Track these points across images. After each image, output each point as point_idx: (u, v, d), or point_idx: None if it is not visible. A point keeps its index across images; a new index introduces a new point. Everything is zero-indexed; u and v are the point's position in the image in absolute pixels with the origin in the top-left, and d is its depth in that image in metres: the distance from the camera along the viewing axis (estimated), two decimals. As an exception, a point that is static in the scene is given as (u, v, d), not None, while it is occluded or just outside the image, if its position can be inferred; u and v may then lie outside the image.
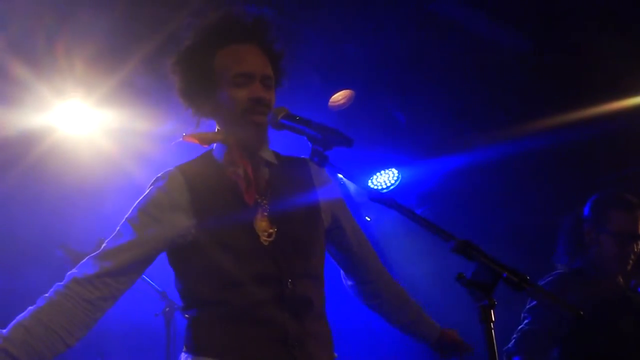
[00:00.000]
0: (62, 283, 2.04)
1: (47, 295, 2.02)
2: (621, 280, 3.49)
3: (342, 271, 2.50)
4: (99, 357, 4.40)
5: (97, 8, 3.68)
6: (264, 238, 2.11)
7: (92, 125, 4.49)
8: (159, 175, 2.18)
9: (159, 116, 4.37)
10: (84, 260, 2.06)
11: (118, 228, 2.13)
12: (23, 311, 2.00)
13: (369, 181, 5.75)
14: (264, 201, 2.17)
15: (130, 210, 2.15)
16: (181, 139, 2.29)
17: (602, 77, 4.51)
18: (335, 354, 2.24)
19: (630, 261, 3.42)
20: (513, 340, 3.44)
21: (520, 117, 5.02)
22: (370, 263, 2.47)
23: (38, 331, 1.94)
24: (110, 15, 3.73)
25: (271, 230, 2.13)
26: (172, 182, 2.14)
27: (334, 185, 2.40)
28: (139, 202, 2.15)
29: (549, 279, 3.51)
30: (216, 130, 2.26)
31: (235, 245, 2.08)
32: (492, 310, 1.56)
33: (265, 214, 2.15)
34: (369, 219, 5.51)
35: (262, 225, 2.13)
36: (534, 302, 3.47)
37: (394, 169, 5.73)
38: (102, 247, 2.10)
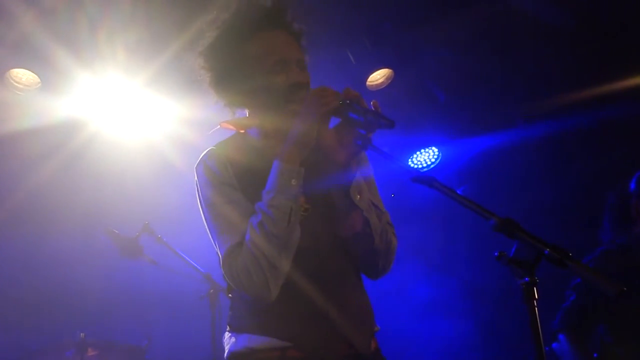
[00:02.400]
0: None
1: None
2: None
3: None
4: (146, 339, 4.48)
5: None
6: (300, 213, 2.11)
7: (134, 112, 4.55)
8: (201, 157, 2.20)
9: (200, 102, 4.40)
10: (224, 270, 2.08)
11: (213, 218, 2.13)
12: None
13: (409, 160, 5.73)
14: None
15: (206, 196, 2.14)
16: (218, 127, 2.32)
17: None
18: (377, 326, 2.24)
19: None
20: (558, 317, 3.43)
21: (561, 93, 4.94)
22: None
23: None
24: (151, 2, 3.76)
25: (307, 206, 2.15)
26: (217, 160, 2.15)
27: (368, 165, 2.37)
28: (205, 184, 2.15)
29: (594, 255, 3.48)
30: (249, 114, 2.28)
31: None
32: (534, 288, 1.55)
33: (301, 190, 2.14)
34: (393, 195, 5.49)
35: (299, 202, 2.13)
36: (578, 280, 3.45)
37: (434, 148, 5.70)
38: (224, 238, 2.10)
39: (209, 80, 2.27)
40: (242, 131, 2.30)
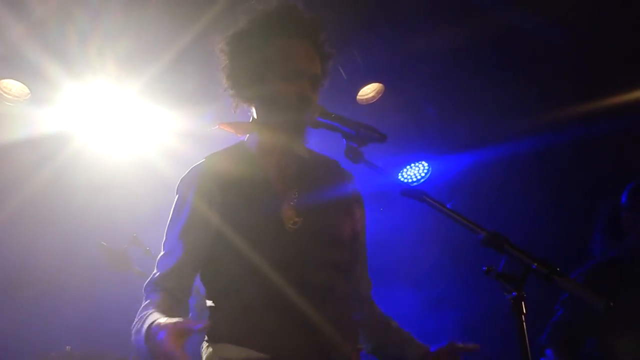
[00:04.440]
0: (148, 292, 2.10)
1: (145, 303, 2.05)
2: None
3: None
4: (132, 354, 4.45)
5: (128, 8, 3.72)
6: (289, 225, 2.13)
7: (124, 123, 4.54)
8: (187, 172, 2.22)
9: (190, 113, 4.41)
10: (144, 290, 2.12)
11: (164, 238, 2.18)
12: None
13: (400, 174, 5.73)
14: (293, 191, 2.20)
15: (170, 219, 2.19)
16: (216, 127, 2.34)
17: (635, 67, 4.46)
18: (361, 344, 2.23)
19: None
20: (545, 333, 3.43)
21: (552, 108, 4.97)
22: (362, 277, 2.43)
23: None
24: (141, 15, 3.77)
25: (297, 219, 2.15)
26: (200, 179, 2.17)
27: (359, 194, 2.41)
28: (175, 209, 2.19)
29: (584, 269, 3.48)
30: (251, 120, 2.29)
31: (260, 231, 2.10)
32: (522, 303, 1.56)
33: (292, 203, 2.17)
34: (382, 210, 5.52)
35: (289, 214, 2.16)
36: (567, 295, 3.45)
37: (424, 162, 5.71)
38: (157, 260, 2.15)
39: (224, 65, 2.28)
40: (240, 139, 2.32)
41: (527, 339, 1.54)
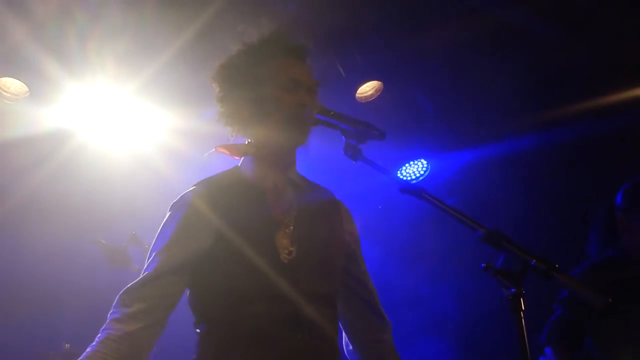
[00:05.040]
0: (105, 326, 2.04)
1: (93, 344, 2.00)
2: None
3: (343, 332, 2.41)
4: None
5: (127, 7, 3.72)
6: (283, 255, 2.09)
7: (123, 121, 4.54)
8: (184, 194, 2.18)
9: (188, 113, 4.41)
10: (117, 299, 2.05)
11: (151, 252, 2.12)
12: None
13: (399, 172, 5.74)
14: (288, 219, 2.16)
15: (160, 232, 2.14)
16: (214, 150, 2.28)
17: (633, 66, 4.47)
18: None
19: None
20: (544, 331, 3.43)
21: (551, 106, 4.97)
22: (373, 308, 2.38)
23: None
24: (140, 13, 3.77)
25: (292, 249, 2.11)
26: (196, 200, 2.13)
27: (353, 222, 2.39)
28: (166, 224, 2.14)
29: (580, 269, 3.47)
30: (247, 142, 2.25)
31: (254, 259, 2.05)
32: (521, 299, 1.56)
33: (287, 231, 2.14)
34: (380, 207, 5.52)
35: (283, 242, 2.12)
36: (565, 293, 3.45)
37: (423, 160, 5.72)
38: (139, 278, 2.09)
39: (218, 96, 2.25)
40: (234, 164, 2.29)
41: (525, 335, 1.54)
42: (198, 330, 2.14)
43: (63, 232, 4.96)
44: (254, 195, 2.16)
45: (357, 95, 4.74)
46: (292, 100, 2.14)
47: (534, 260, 1.53)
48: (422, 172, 5.75)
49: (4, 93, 4.23)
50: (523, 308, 1.56)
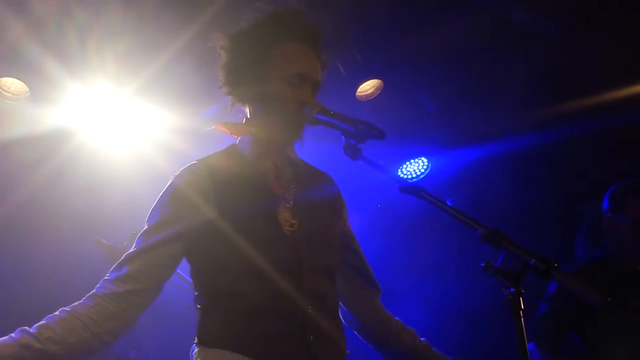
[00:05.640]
0: (98, 285, 2.07)
1: (84, 298, 2.04)
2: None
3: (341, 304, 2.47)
4: (133, 350, 4.45)
5: (127, 6, 3.72)
6: (286, 227, 2.13)
7: (123, 121, 4.54)
8: (181, 169, 2.20)
9: (189, 111, 4.41)
10: (114, 265, 2.08)
11: (145, 226, 2.15)
12: (65, 303, 2.04)
13: (399, 171, 5.73)
14: (288, 194, 2.20)
15: (155, 206, 2.16)
16: (214, 127, 2.33)
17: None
18: (348, 351, 2.24)
19: None
20: (529, 329, 3.48)
21: (552, 104, 4.97)
22: (368, 278, 2.48)
23: (65, 317, 1.96)
24: (140, 12, 3.77)
25: (293, 221, 2.15)
26: (194, 174, 2.16)
27: (343, 197, 2.46)
28: (162, 198, 2.16)
29: (568, 269, 3.53)
30: (245, 120, 2.28)
31: (258, 232, 2.08)
32: (520, 298, 1.56)
33: (288, 205, 2.18)
34: (379, 206, 5.53)
35: (285, 215, 2.16)
36: (552, 291, 3.54)
37: (423, 158, 5.71)
38: (133, 245, 2.12)
39: (224, 62, 2.25)
40: (232, 142, 2.31)
41: (525, 334, 1.54)
42: (200, 305, 2.16)
43: (63, 232, 4.96)
44: (253, 171, 2.19)
45: (357, 93, 4.74)
46: (294, 98, 2.14)
47: (534, 260, 1.53)
48: (422, 171, 5.74)
49: (5, 93, 4.23)
50: (522, 307, 1.56)
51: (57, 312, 1.97)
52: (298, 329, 2.04)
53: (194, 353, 2.11)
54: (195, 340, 2.12)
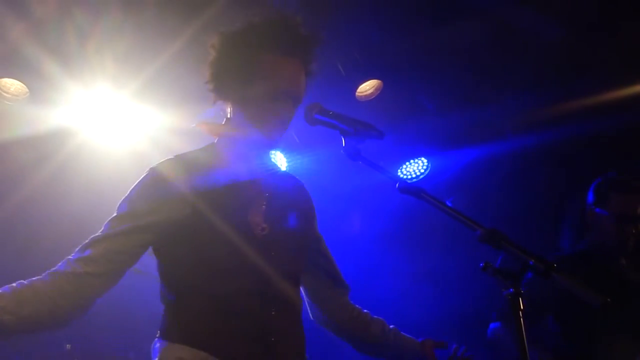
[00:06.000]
0: (60, 263, 2.08)
1: (43, 274, 2.05)
2: (624, 262, 3.56)
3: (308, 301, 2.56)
4: (132, 351, 4.46)
5: (127, 7, 3.72)
6: (257, 231, 2.16)
7: (123, 121, 4.54)
8: (158, 162, 2.22)
9: (188, 113, 4.40)
10: (83, 244, 2.09)
11: (115, 213, 2.16)
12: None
13: (399, 171, 5.73)
14: (260, 198, 2.24)
15: (128, 195, 2.17)
16: (194, 126, 2.38)
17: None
18: (307, 357, 2.27)
19: (631, 243, 3.48)
20: (497, 310, 3.60)
21: (551, 104, 4.97)
22: (336, 279, 2.56)
23: (22, 290, 1.96)
24: (139, 13, 3.77)
25: (264, 225, 2.18)
26: (170, 169, 2.17)
27: (313, 204, 2.50)
28: (136, 188, 2.17)
29: (552, 259, 3.56)
30: (225, 120, 2.29)
31: (228, 234, 2.10)
32: (520, 298, 1.57)
33: (260, 209, 2.21)
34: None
35: (256, 219, 2.19)
36: (529, 275, 3.57)
37: (423, 159, 5.71)
38: (101, 229, 2.13)
39: (213, 59, 2.28)
40: (211, 141, 2.34)
41: (524, 334, 1.54)
42: (167, 301, 2.18)
43: (64, 232, 4.95)
44: (228, 173, 2.21)
45: (356, 94, 4.74)
46: (275, 111, 2.17)
47: (533, 260, 1.54)
48: (422, 171, 5.74)
49: (4, 94, 4.23)
50: (522, 307, 1.56)
51: (14, 284, 1.97)
52: (261, 330, 2.07)
53: (157, 348, 2.13)
54: (158, 335, 2.15)
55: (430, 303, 5.54)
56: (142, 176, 2.19)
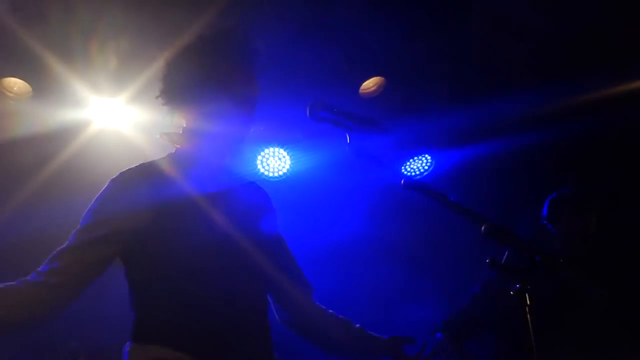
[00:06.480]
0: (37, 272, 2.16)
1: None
2: (572, 276, 3.58)
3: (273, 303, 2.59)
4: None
5: (129, 6, 3.72)
6: (218, 236, 2.22)
7: (126, 121, 4.54)
8: (119, 172, 2.29)
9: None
10: (50, 255, 2.17)
11: (79, 224, 2.23)
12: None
13: (402, 168, 5.72)
14: (221, 203, 2.29)
15: (90, 207, 2.25)
16: (158, 136, 2.46)
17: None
18: (275, 356, 2.32)
19: (580, 260, 3.48)
20: (447, 317, 3.75)
21: (557, 100, 4.95)
22: (299, 280, 2.60)
23: None
24: (142, 12, 3.77)
25: (225, 230, 2.24)
26: (130, 179, 2.24)
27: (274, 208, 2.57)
28: (97, 199, 2.25)
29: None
30: (182, 130, 2.37)
31: (190, 239, 2.16)
32: (527, 294, 1.56)
33: (221, 213, 2.26)
34: None
35: (217, 224, 2.24)
36: (476, 289, 3.75)
37: (427, 155, 5.70)
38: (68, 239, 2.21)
39: (166, 74, 2.37)
40: (170, 152, 2.41)
41: (531, 330, 1.54)
42: (135, 303, 2.24)
43: (68, 231, 4.96)
44: (189, 180, 2.27)
45: (360, 90, 4.73)
46: (232, 112, 2.25)
47: (539, 255, 1.53)
48: (426, 168, 5.73)
49: (7, 93, 4.23)
50: (529, 303, 1.56)
51: None
52: (227, 330, 2.13)
53: (128, 350, 2.18)
54: (132, 338, 2.20)
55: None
56: (104, 186, 2.27)
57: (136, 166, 2.30)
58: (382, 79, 4.73)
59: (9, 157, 4.54)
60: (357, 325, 2.57)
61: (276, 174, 5.15)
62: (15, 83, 4.22)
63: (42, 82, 4.15)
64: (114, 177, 2.26)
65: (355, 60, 4.46)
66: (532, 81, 4.79)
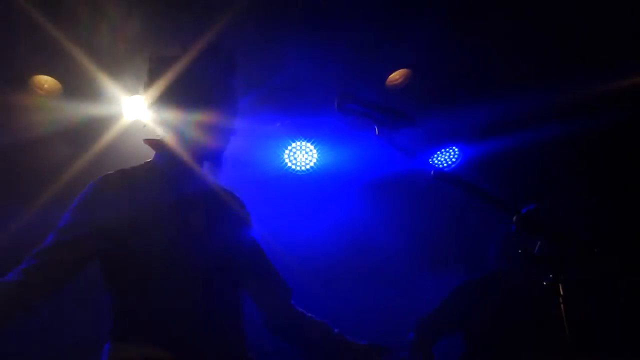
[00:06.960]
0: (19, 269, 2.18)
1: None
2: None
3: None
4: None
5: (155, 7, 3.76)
6: (193, 240, 2.26)
7: (154, 117, 4.55)
8: (100, 176, 2.34)
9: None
10: (29, 255, 2.19)
11: (58, 224, 2.26)
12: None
13: (430, 159, 5.70)
14: (196, 208, 2.35)
15: (70, 208, 2.28)
16: (142, 141, 2.50)
17: None
18: (250, 356, 2.35)
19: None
20: (424, 317, 3.84)
21: (585, 90, 4.90)
22: (277, 284, 2.66)
23: None
24: (168, 12, 3.81)
25: (200, 234, 2.29)
26: (110, 183, 2.29)
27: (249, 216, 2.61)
28: (77, 201, 2.29)
29: (477, 277, 3.91)
30: (162, 136, 2.42)
31: (167, 240, 2.20)
32: (560, 285, 1.54)
33: (197, 213, 2.32)
34: None
35: (192, 228, 2.29)
36: (448, 294, 3.88)
37: (454, 147, 5.67)
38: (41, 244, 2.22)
39: (146, 82, 2.43)
40: (152, 158, 2.46)
41: (566, 321, 1.52)
42: (114, 304, 2.27)
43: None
44: (167, 186, 2.33)
45: (387, 82, 4.72)
46: (213, 117, 2.29)
47: (573, 246, 1.52)
48: (454, 160, 5.70)
49: (38, 90, 4.28)
50: (562, 293, 1.54)
51: None
52: (202, 329, 2.17)
53: (107, 349, 2.21)
54: (110, 338, 2.24)
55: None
56: (84, 189, 2.32)
57: (116, 171, 2.36)
58: (409, 70, 4.72)
59: (39, 154, 4.59)
60: (336, 330, 2.59)
61: (303, 168, 5.16)
62: (46, 81, 4.27)
63: (72, 80, 4.20)
64: (96, 179, 2.32)
65: (382, 52, 4.45)
66: (561, 74, 4.74)
